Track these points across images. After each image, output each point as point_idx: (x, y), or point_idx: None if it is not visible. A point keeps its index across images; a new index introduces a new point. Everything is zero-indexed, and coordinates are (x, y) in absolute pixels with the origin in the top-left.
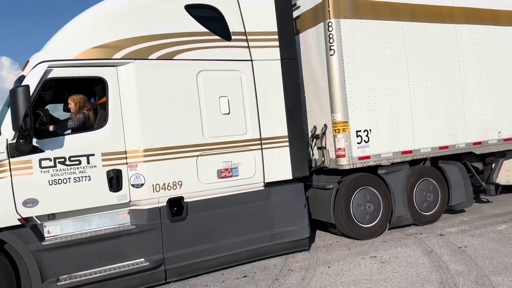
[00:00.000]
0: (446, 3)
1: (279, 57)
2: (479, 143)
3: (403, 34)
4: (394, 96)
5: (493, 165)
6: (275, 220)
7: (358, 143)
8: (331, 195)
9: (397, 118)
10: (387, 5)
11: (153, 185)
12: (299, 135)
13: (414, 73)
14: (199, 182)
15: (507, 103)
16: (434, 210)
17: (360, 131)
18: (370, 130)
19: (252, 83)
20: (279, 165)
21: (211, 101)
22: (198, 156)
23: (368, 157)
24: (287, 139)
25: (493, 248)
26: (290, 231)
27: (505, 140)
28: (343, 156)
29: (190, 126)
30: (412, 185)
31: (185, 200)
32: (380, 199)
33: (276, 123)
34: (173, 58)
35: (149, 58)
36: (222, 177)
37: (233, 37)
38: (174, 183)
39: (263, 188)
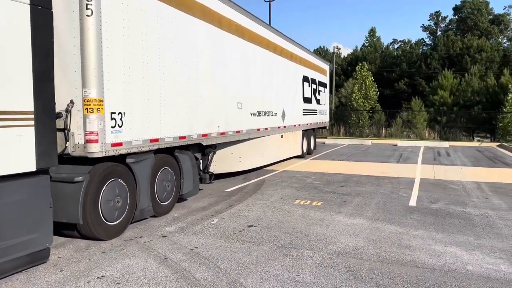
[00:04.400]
0: None
1: (28, 0)
2: (206, 135)
3: (156, 15)
4: (147, 79)
5: (210, 155)
6: (7, 228)
7: (112, 127)
8: (81, 189)
9: (149, 103)
10: None
11: None
12: (49, 111)
13: (164, 58)
14: None
15: (225, 103)
16: (170, 200)
17: (114, 113)
18: (124, 113)
19: None
20: (19, 152)
21: None
22: None
23: (120, 144)
24: (32, 115)
25: (222, 246)
26: (27, 241)
27: (221, 134)
28: (96, 141)
29: None
30: (155, 175)
31: None
32: (128, 191)
33: (19, 92)
34: None
35: None
36: None
37: None
38: None
39: None
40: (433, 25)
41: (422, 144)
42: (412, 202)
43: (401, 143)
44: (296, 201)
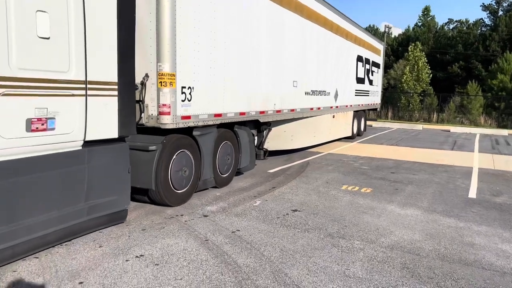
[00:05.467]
0: None
1: None
2: (263, 112)
3: None
4: (213, 56)
5: (265, 132)
6: (94, 189)
7: (182, 100)
8: (154, 157)
9: (214, 79)
10: None
11: None
12: (130, 83)
13: (229, 35)
14: None
15: (281, 81)
16: (229, 172)
17: (185, 87)
18: (193, 87)
19: (81, 3)
20: (105, 120)
21: (23, 14)
22: None
23: (189, 117)
24: (116, 86)
25: (265, 230)
26: (109, 202)
27: (277, 111)
28: (168, 113)
29: None
30: (217, 148)
31: None
32: (193, 162)
33: (106, 64)
34: None
35: None
36: (33, 130)
37: None
38: None
39: (81, 148)
40: (494, 4)
41: (477, 131)
42: (472, 194)
43: (454, 129)
44: (343, 187)
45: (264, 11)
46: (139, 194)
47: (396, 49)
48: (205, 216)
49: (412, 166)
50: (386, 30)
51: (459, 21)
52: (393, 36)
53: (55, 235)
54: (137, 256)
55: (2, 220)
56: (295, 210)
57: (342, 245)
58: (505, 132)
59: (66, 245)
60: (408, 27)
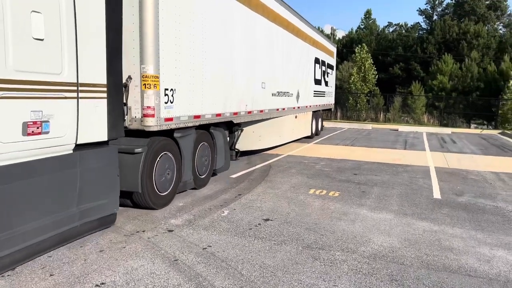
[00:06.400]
0: None
1: None
2: (236, 113)
3: (201, 0)
4: (193, 58)
5: (237, 133)
6: (85, 193)
7: (165, 102)
8: (140, 160)
9: (193, 81)
10: None
11: None
12: (118, 85)
13: (206, 37)
14: None
15: (253, 83)
16: (207, 173)
17: (167, 89)
18: (175, 89)
19: (72, 4)
20: (95, 122)
21: (19, 15)
22: None
23: (171, 119)
24: (105, 88)
25: (239, 244)
26: (100, 206)
27: (248, 112)
28: (152, 116)
29: None
30: (195, 149)
31: None
32: (175, 164)
33: (96, 66)
34: None
35: None
36: (29, 134)
37: None
38: None
39: (72, 151)
40: (429, 9)
41: (423, 129)
42: (436, 194)
43: (402, 128)
44: (311, 191)
45: (238, 15)
46: (122, 198)
47: (341, 51)
48: (170, 231)
49: (372, 167)
50: (332, 32)
51: (398, 24)
52: (337, 38)
53: (50, 241)
54: (97, 285)
55: (1, 227)
56: (267, 219)
57: (323, 258)
58: (448, 130)
59: (8, 275)
60: (352, 29)
